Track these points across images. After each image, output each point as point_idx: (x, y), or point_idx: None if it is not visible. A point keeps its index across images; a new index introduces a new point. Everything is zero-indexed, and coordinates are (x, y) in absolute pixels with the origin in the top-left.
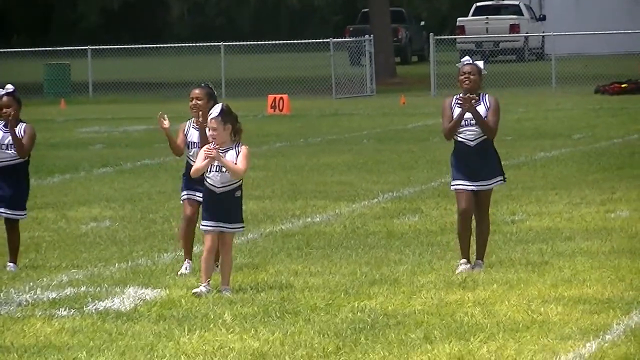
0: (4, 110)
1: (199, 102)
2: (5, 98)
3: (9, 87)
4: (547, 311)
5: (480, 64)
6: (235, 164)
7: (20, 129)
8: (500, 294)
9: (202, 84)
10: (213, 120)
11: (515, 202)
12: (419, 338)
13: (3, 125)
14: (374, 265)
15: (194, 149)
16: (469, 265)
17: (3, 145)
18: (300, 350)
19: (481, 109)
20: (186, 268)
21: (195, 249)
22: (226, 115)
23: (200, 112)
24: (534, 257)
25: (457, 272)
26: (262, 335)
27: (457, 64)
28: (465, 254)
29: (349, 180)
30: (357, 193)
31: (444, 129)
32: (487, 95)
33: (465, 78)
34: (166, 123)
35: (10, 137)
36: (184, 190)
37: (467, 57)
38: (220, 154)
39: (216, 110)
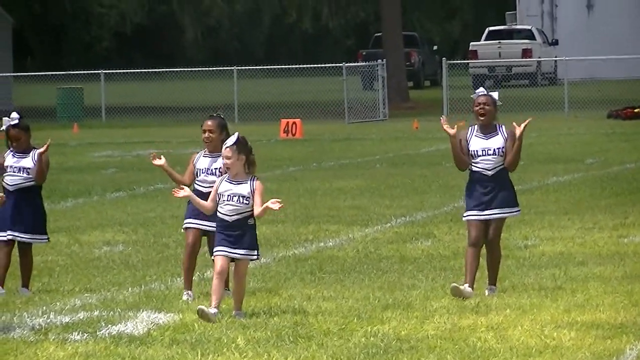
0: (14, 143)
1: (211, 135)
2: (12, 130)
3: (14, 117)
4: (560, 336)
5: (495, 95)
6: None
7: (32, 155)
8: (513, 319)
9: (214, 114)
10: (228, 149)
11: (528, 227)
12: None
13: (14, 149)
14: (387, 289)
15: (202, 175)
16: (470, 290)
17: (15, 169)
18: None
19: (498, 139)
20: (187, 300)
21: (196, 276)
22: (241, 145)
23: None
24: (546, 282)
25: (453, 285)
26: None
27: (472, 95)
28: (470, 281)
29: (361, 205)
30: (370, 217)
31: (458, 160)
32: (503, 126)
33: (480, 108)
34: (160, 161)
35: (22, 161)
36: (187, 219)
37: (481, 89)
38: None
39: (232, 140)
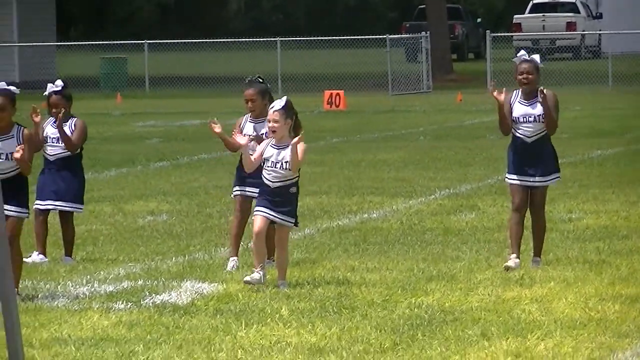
0: (54, 109)
1: (254, 103)
2: (54, 97)
3: (58, 85)
4: (605, 309)
5: (537, 57)
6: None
7: (70, 124)
8: (557, 292)
9: (253, 78)
10: (276, 113)
11: (572, 200)
12: (476, 335)
13: (53, 121)
14: (431, 261)
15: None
16: (518, 261)
17: (54, 139)
18: (357, 345)
19: (539, 107)
20: (232, 267)
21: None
22: (289, 109)
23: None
24: (591, 255)
25: (504, 265)
26: (319, 330)
27: (513, 59)
28: (515, 249)
29: (405, 177)
30: (413, 189)
31: (502, 124)
32: (545, 90)
33: (523, 78)
34: (217, 128)
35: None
36: (235, 186)
37: (523, 52)
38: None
39: (280, 103)
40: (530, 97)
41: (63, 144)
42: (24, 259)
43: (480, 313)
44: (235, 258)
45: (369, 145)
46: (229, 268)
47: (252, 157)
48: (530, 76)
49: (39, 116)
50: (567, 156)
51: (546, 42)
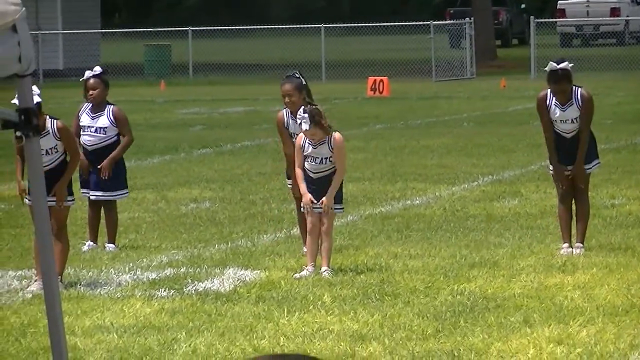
0: (90, 92)
1: (292, 98)
2: (92, 80)
3: (97, 69)
4: None
5: (565, 64)
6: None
7: (108, 113)
8: (599, 278)
9: (290, 74)
10: (307, 132)
11: (615, 186)
12: (518, 321)
13: (91, 108)
14: (474, 248)
15: (294, 138)
16: (570, 250)
17: (92, 129)
18: (400, 332)
19: (573, 109)
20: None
21: (283, 233)
22: (314, 119)
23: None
24: (633, 241)
25: (561, 253)
26: (361, 317)
27: (545, 68)
28: (567, 238)
29: (448, 163)
30: (456, 176)
31: (544, 125)
32: (580, 91)
33: (558, 93)
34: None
35: (99, 121)
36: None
37: (552, 64)
38: (330, 209)
39: (306, 124)
40: (564, 100)
41: (101, 132)
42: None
43: (523, 300)
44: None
45: (412, 132)
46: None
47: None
48: (565, 91)
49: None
50: (610, 142)
51: (590, 27)
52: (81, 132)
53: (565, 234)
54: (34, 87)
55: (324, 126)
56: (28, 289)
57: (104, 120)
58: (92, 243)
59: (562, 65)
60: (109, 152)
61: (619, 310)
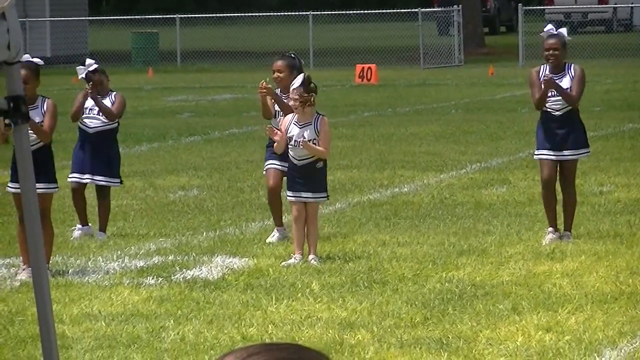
0: (99, 87)
1: (280, 74)
2: (96, 75)
3: (91, 63)
4: (636, 283)
5: (564, 31)
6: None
7: (110, 96)
8: (588, 265)
9: (286, 53)
10: (295, 91)
11: (603, 173)
12: (507, 309)
13: (97, 93)
14: (462, 235)
15: (279, 117)
16: (557, 234)
17: (95, 111)
18: (388, 320)
19: (566, 80)
20: (273, 236)
21: (285, 218)
22: (308, 86)
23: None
24: (622, 228)
25: (544, 242)
26: (349, 305)
27: (540, 34)
28: (552, 222)
29: (436, 151)
30: (445, 163)
31: (534, 99)
32: (572, 65)
33: (550, 55)
34: (277, 137)
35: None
36: (267, 161)
37: (550, 26)
38: (305, 141)
39: (298, 80)
40: (557, 70)
41: (103, 115)
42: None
43: (511, 287)
44: (281, 228)
45: (400, 119)
46: (270, 239)
47: (277, 139)
48: (556, 52)
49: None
50: (598, 129)
51: (578, 15)
52: (83, 115)
53: (551, 218)
54: (89, 60)
55: (310, 98)
56: (17, 277)
57: (107, 103)
58: (84, 226)
59: (560, 30)
60: (109, 137)
61: (607, 297)
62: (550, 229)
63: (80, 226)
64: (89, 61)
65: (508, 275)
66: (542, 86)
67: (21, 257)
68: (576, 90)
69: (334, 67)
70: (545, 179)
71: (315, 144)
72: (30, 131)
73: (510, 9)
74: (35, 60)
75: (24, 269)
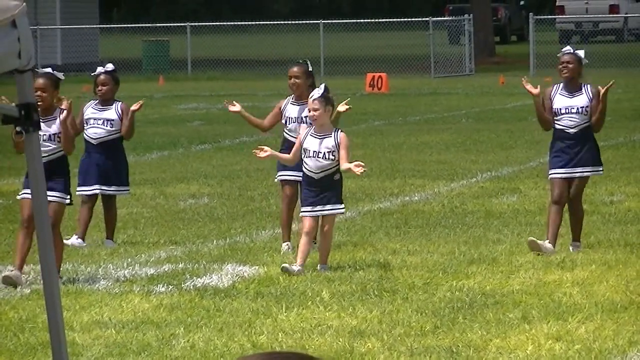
0: (100, 87)
1: (297, 80)
2: (103, 76)
3: (109, 66)
4: None
5: (581, 53)
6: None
7: (116, 107)
8: (598, 275)
9: (300, 61)
10: (316, 101)
11: (613, 182)
12: (517, 318)
13: (98, 103)
14: (472, 244)
15: (291, 124)
16: (550, 246)
17: (98, 120)
18: (398, 328)
19: (582, 99)
20: (289, 248)
21: (294, 227)
22: (328, 96)
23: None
24: (632, 238)
25: (530, 239)
26: (360, 313)
27: (557, 54)
28: (552, 240)
29: (447, 159)
30: (455, 172)
31: (540, 119)
32: (589, 85)
33: (563, 67)
34: (235, 107)
35: (105, 113)
36: (280, 171)
37: (568, 47)
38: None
39: (319, 91)
40: (572, 89)
41: (125, 132)
42: (64, 241)
43: (521, 296)
44: (289, 242)
45: (411, 128)
46: (284, 249)
47: (288, 156)
48: (570, 65)
49: (66, 102)
50: (609, 139)
51: (589, 24)
52: (86, 127)
53: (552, 235)
54: (109, 65)
55: (329, 113)
56: (4, 273)
57: (111, 113)
58: (77, 238)
59: (577, 51)
60: (115, 145)
61: (617, 306)
62: (547, 240)
63: (75, 237)
64: (110, 65)
65: (518, 284)
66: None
67: (16, 262)
68: (601, 112)
69: (344, 76)
70: (556, 199)
71: (334, 155)
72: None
73: (521, 18)
74: (56, 73)
75: (12, 270)
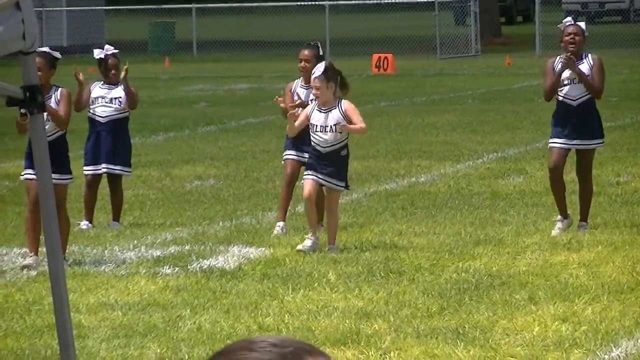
0: (113, 71)
1: (307, 64)
2: (112, 60)
3: (110, 48)
4: None
5: (582, 24)
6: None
7: (121, 87)
8: (605, 256)
9: (311, 43)
10: (317, 79)
11: (620, 163)
12: (523, 299)
13: (103, 84)
14: (479, 225)
15: (300, 109)
16: (567, 221)
17: (107, 99)
18: (405, 310)
19: (584, 68)
20: (281, 229)
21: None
22: (329, 73)
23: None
24: (639, 219)
25: (552, 233)
26: (366, 295)
27: (558, 25)
28: (563, 212)
29: (453, 140)
30: (461, 153)
31: (545, 88)
32: (590, 55)
33: (571, 39)
34: (283, 104)
35: (113, 92)
36: (286, 150)
37: (569, 18)
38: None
39: (319, 69)
40: (575, 59)
41: (128, 102)
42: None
43: (528, 277)
44: (282, 223)
45: (417, 109)
46: (276, 232)
47: (296, 123)
48: (577, 37)
49: (82, 75)
50: (615, 119)
51: (595, 5)
52: (92, 105)
53: (561, 207)
54: (107, 46)
55: (342, 84)
56: (23, 263)
57: (119, 92)
58: (88, 223)
59: (578, 22)
60: (121, 125)
61: (624, 287)
62: (559, 217)
63: (86, 222)
64: (109, 47)
65: (525, 265)
66: (561, 66)
67: (28, 245)
68: (597, 80)
69: (350, 57)
70: (552, 166)
71: (342, 129)
72: (46, 120)
73: None
74: (53, 52)
75: (31, 257)
